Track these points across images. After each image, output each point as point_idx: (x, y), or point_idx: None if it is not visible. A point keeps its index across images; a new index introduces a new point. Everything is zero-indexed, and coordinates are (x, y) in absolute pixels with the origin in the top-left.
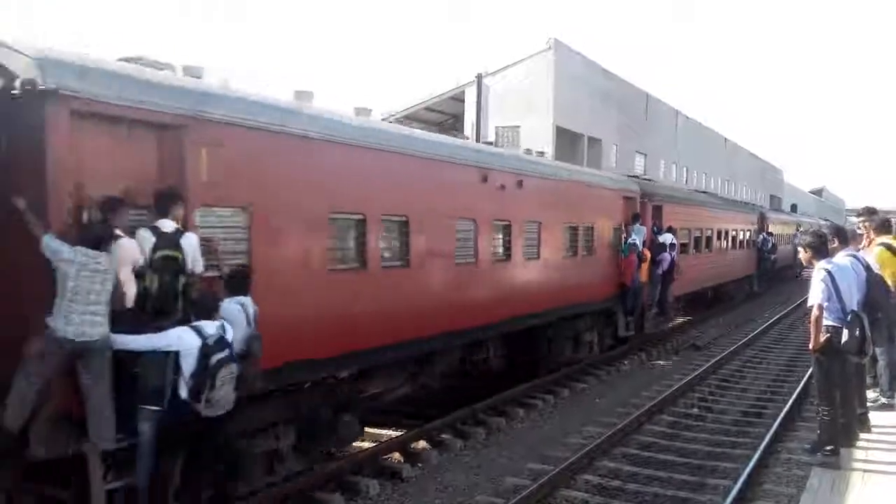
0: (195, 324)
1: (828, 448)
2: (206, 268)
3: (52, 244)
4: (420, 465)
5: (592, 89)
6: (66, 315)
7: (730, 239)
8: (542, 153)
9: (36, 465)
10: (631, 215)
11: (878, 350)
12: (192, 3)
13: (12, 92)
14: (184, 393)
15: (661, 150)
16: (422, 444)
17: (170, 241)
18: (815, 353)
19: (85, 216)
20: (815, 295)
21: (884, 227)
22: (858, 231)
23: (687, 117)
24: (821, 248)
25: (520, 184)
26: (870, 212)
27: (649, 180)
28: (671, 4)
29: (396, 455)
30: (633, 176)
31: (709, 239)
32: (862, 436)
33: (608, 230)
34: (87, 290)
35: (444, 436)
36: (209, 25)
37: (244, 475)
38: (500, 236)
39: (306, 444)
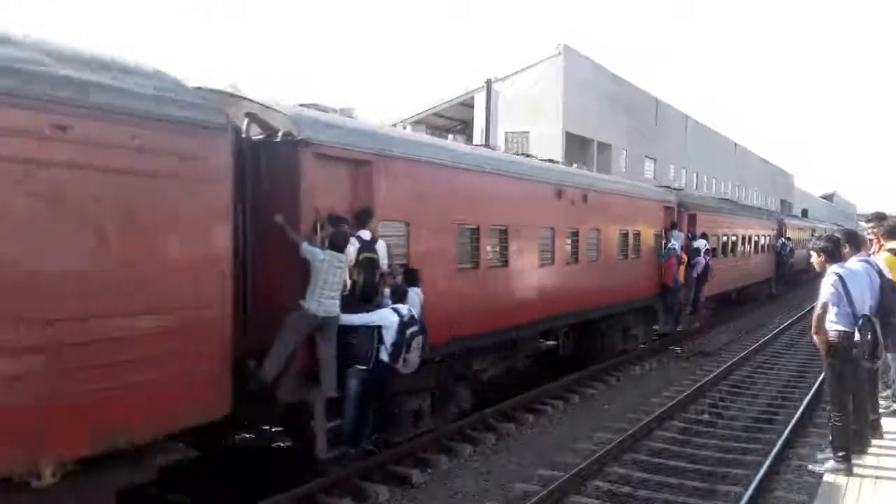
0: (394, 306)
1: (840, 454)
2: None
3: (310, 249)
4: (429, 470)
5: (602, 94)
6: (318, 299)
7: (752, 244)
8: (552, 160)
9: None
10: (670, 223)
11: (890, 356)
12: (197, 12)
13: (275, 140)
14: (384, 357)
15: (671, 155)
16: (431, 449)
17: (369, 246)
18: (827, 356)
19: (318, 228)
20: (824, 296)
21: (893, 232)
22: (868, 237)
23: (697, 122)
24: (834, 253)
25: (585, 198)
26: (879, 217)
27: (680, 189)
28: (679, 9)
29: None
30: (668, 187)
31: (734, 244)
32: (874, 442)
33: (651, 236)
34: (332, 282)
35: (453, 441)
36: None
37: (402, 426)
38: (570, 242)
39: (438, 407)
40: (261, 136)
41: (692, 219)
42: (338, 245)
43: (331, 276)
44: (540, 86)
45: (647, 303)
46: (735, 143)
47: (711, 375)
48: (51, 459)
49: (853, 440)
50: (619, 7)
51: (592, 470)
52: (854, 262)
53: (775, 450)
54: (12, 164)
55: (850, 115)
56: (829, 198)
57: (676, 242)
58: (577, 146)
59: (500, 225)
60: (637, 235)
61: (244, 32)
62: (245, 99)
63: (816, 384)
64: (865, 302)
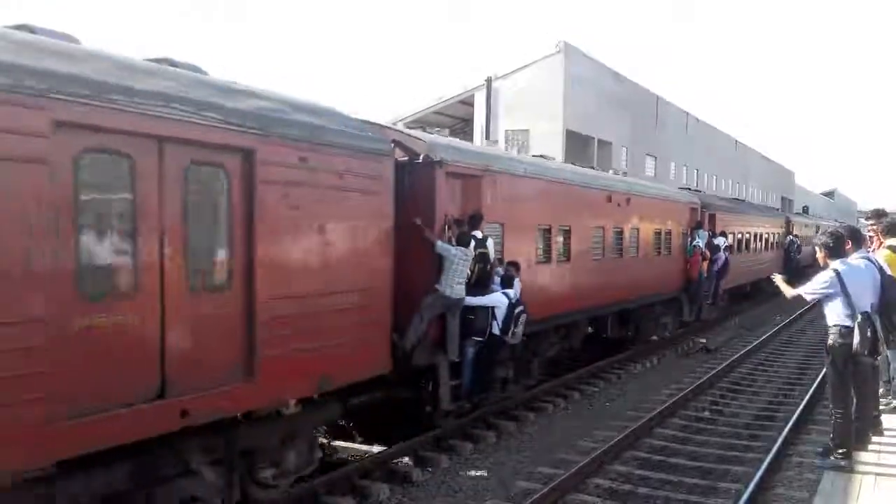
0: (504, 290)
1: (840, 451)
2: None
3: (444, 246)
4: (430, 468)
5: (602, 92)
6: (451, 285)
7: (764, 241)
8: (544, 156)
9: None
10: (695, 223)
11: (890, 353)
12: (197, 12)
13: (417, 161)
14: (496, 330)
15: (672, 152)
16: (432, 448)
17: (482, 243)
18: (828, 353)
19: (446, 229)
20: (806, 290)
21: (892, 229)
22: (868, 233)
23: (697, 119)
24: (837, 249)
25: (628, 201)
26: (878, 214)
27: (699, 191)
28: (679, 8)
29: (406, 459)
30: (689, 188)
31: (748, 241)
32: (874, 439)
33: (678, 234)
34: (461, 271)
35: (453, 440)
36: (210, 27)
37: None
38: (616, 239)
39: (516, 378)
40: (404, 158)
41: (712, 218)
42: (464, 242)
43: (460, 267)
44: (540, 83)
45: (674, 295)
46: (736, 141)
47: (713, 372)
48: (293, 396)
49: (853, 437)
50: (618, 6)
51: (593, 468)
52: (855, 259)
53: (776, 447)
54: (278, 185)
55: (850, 113)
56: (829, 195)
57: (701, 240)
58: (577, 144)
59: (565, 225)
60: (668, 234)
61: (244, 32)
62: (389, 128)
63: (816, 381)
64: (866, 298)
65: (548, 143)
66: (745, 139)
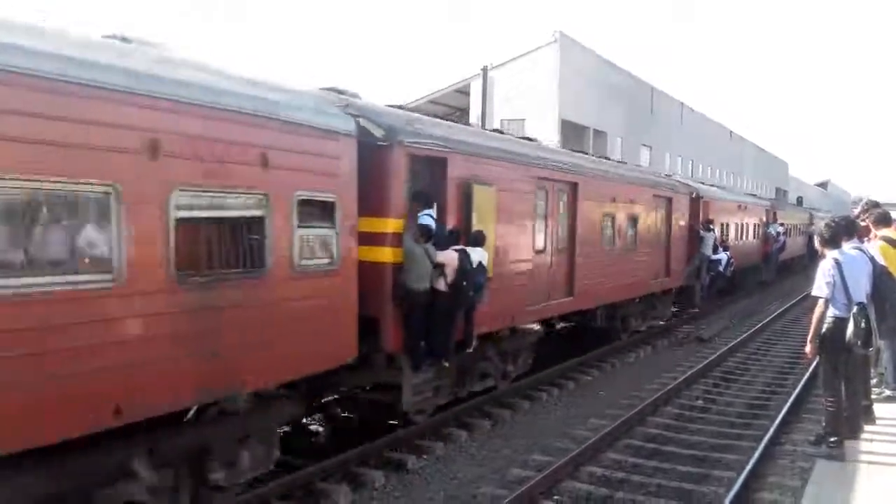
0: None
1: (832, 440)
2: None
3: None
4: (425, 456)
5: (598, 82)
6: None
7: (796, 230)
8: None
9: None
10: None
11: (883, 343)
12: (197, 12)
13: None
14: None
15: (667, 142)
16: (427, 436)
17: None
18: (810, 354)
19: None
20: (820, 287)
21: (884, 220)
22: (862, 223)
23: (692, 110)
24: (834, 239)
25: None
26: (869, 205)
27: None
28: (675, 2)
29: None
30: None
31: (789, 231)
32: (867, 427)
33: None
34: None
35: (449, 428)
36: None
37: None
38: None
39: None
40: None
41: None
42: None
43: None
44: (536, 73)
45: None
46: (730, 132)
47: (706, 362)
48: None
49: (846, 426)
50: (614, 2)
51: (587, 455)
52: (848, 249)
53: (768, 435)
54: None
55: (844, 105)
56: (823, 185)
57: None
58: (572, 134)
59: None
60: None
61: (244, 32)
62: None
63: (809, 371)
64: (862, 288)
65: (543, 133)
66: (740, 130)
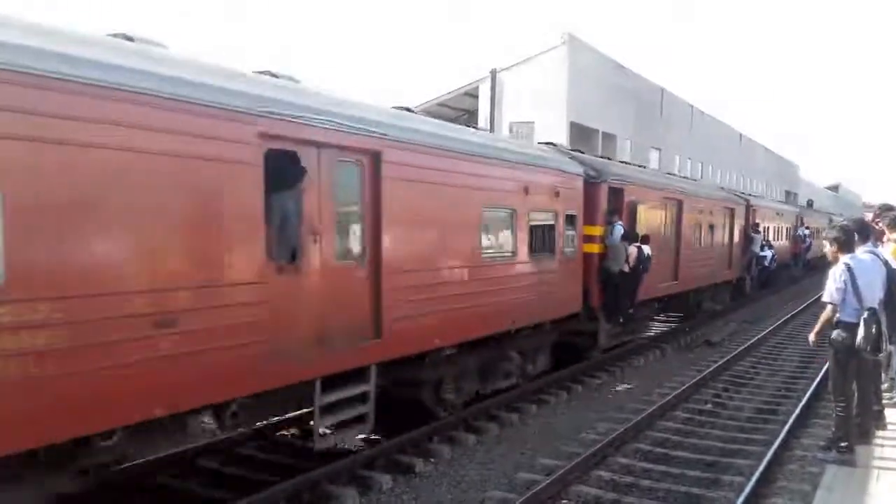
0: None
1: (843, 445)
2: None
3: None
4: (433, 459)
5: (607, 84)
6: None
7: (818, 232)
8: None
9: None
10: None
11: (893, 348)
12: (197, 12)
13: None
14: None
15: (677, 145)
16: (435, 439)
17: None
18: (812, 344)
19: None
20: (830, 293)
21: None
22: (877, 226)
23: (702, 112)
24: (847, 243)
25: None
26: (883, 209)
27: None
28: (680, 3)
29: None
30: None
31: (815, 233)
32: (878, 433)
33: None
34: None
35: (456, 431)
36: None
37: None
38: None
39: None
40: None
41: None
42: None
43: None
44: (545, 75)
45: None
46: (740, 134)
47: (715, 366)
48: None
49: (856, 431)
50: (621, 4)
51: (595, 460)
52: (861, 253)
53: (779, 440)
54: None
55: (855, 107)
56: (833, 189)
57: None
58: (581, 136)
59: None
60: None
61: (244, 32)
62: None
63: (820, 375)
64: (874, 293)
65: (552, 135)
66: (750, 132)
